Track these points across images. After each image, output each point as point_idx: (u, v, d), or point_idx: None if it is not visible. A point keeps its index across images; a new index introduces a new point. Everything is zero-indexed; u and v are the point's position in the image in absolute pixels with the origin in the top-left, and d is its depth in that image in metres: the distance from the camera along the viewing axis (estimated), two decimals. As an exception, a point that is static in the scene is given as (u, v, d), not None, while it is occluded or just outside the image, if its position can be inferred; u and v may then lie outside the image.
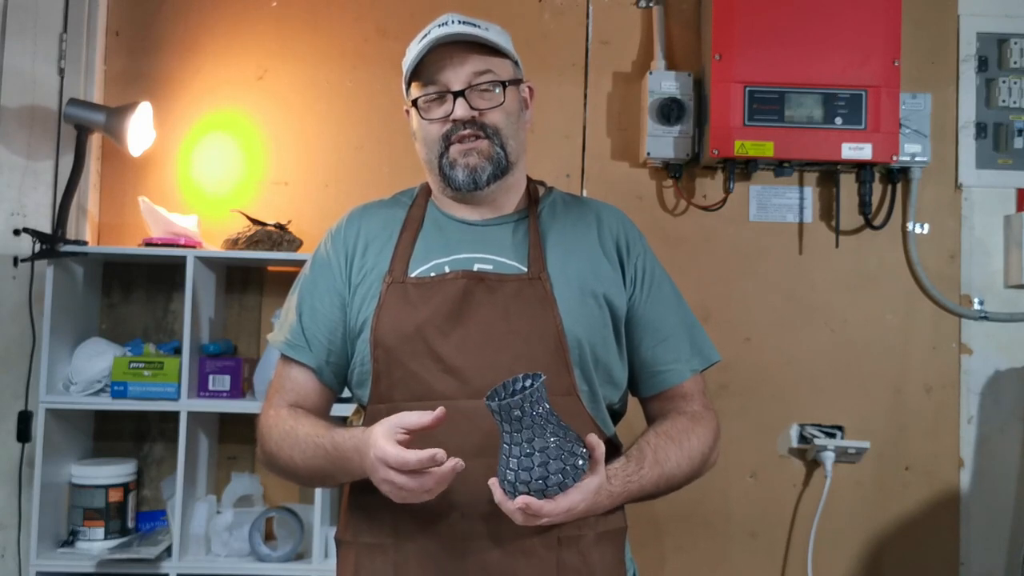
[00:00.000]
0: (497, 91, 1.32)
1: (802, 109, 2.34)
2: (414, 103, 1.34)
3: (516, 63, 1.38)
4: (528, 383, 1.09)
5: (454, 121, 1.30)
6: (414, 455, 1.08)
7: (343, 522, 1.32)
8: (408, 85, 1.36)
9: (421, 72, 1.32)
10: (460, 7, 1.46)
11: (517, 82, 1.37)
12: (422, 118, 1.33)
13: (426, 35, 1.32)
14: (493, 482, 1.11)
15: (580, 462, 1.09)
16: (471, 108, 1.30)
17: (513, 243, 1.33)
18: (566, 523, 1.19)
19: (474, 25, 1.31)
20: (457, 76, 1.30)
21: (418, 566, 1.22)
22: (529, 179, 1.44)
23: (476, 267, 1.30)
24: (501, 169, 1.33)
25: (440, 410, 1.11)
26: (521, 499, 1.07)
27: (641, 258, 1.38)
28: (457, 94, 1.29)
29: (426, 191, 1.43)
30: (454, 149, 1.31)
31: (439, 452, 1.08)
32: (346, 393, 1.40)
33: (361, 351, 1.30)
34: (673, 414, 1.34)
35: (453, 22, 1.31)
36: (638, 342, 1.35)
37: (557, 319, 1.25)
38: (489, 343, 1.24)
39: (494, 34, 1.33)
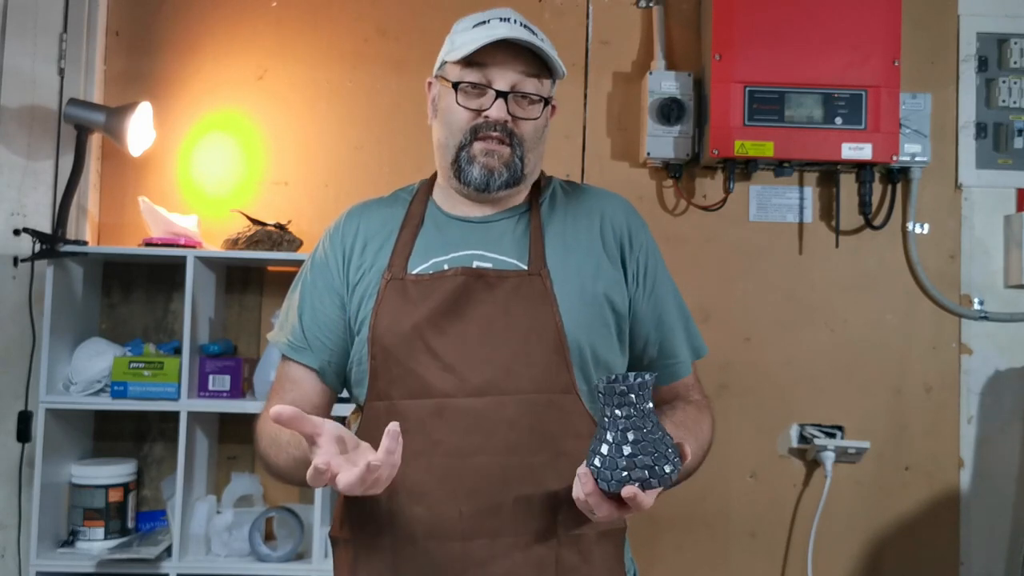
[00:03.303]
0: (537, 100, 1.31)
1: (802, 109, 2.34)
2: (453, 84, 1.30)
3: (554, 82, 1.36)
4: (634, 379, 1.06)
5: (486, 118, 1.29)
6: (348, 478, 1.01)
7: (339, 520, 1.31)
8: (445, 61, 1.33)
9: (468, 56, 1.28)
10: (462, 6, 1.46)
11: (550, 100, 1.36)
12: (456, 102, 1.30)
13: (483, 22, 1.30)
14: (585, 472, 1.06)
15: (678, 458, 1.07)
16: (507, 113, 1.28)
17: (513, 239, 1.33)
18: (567, 522, 1.20)
19: (533, 32, 1.30)
20: (505, 77, 1.28)
21: (416, 564, 1.22)
22: None
23: (475, 264, 1.29)
24: (515, 179, 1.32)
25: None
26: (629, 489, 1.02)
27: (643, 253, 1.36)
28: (500, 94, 1.28)
29: (426, 188, 1.42)
30: (478, 145, 1.29)
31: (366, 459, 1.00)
32: (344, 393, 1.40)
33: (359, 349, 1.29)
34: (681, 404, 1.34)
35: (515, 22, 1.30)
36: (643, 338, 1.35)
37: (557, 316, 1.25)
38: (488, 340, 1.23)
39: (548, 47, 1.32)
